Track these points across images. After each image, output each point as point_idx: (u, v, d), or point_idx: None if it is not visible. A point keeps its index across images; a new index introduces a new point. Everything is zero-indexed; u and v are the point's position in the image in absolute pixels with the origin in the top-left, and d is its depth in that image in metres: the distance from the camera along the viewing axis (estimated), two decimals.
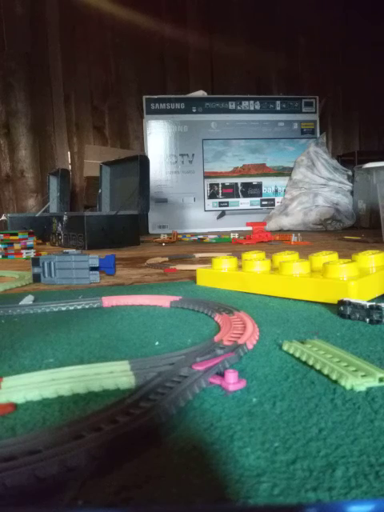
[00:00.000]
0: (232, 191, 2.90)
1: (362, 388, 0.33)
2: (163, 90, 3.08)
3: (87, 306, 0.65)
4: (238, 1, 3.21)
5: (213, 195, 2.87)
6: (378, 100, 3.39)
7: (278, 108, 2.89)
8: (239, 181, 2.90)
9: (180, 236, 2.06)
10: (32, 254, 1.43)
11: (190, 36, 3.17)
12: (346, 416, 0.29)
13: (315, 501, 0.21)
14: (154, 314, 0.61)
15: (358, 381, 0.33)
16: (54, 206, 2.49)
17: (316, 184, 2.68)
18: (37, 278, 0.88)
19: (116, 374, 0.36)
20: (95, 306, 0.65)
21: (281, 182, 2.91)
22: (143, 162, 1.85)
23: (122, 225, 1.76)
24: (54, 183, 2.54)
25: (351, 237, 1.82)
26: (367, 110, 3.44)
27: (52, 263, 0.87)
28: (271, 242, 1.77)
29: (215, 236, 2.06)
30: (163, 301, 0.65)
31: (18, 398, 0.33)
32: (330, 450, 0.25)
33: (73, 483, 0.23)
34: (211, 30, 3.20)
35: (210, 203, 2.87)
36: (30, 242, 1.59)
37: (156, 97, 2.78)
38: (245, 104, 2.86)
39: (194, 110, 2.81)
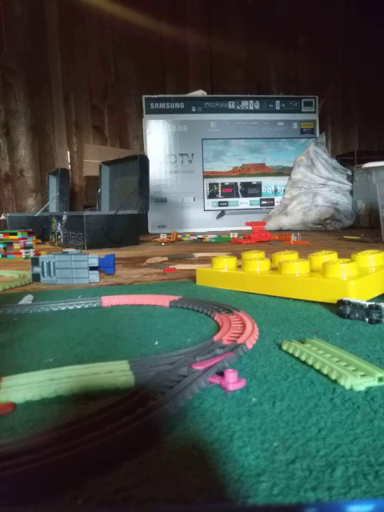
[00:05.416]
0: (231, 191, 2.90)
1: (362, 388, 0.33)
2: (163, 90, 3.08)
3: (87, 306, 0.65)
4: (238, 1, 3.21)
5: (212, 195, 2.87)
6: (377, 100, 3.39)
7: (278, 108, 2.89)
8: (239, 180, 2.90)
9: (179, 236, 2.06)
10: (31, 253, 1.43)
11: (189, 36, 3.16)
12: (346, 416, 0.29)
13: (315, 500, 0.21)
14: (154, 313, 0.61)
15: (358, 380, 0.33)
16: (53, 206, 2.49)
17: (315, 184, 2.68)
18: (36, 278, 0.88)
19: (115, 374, 0.36)
20: (95, 305, 0.65)
21: (280, 182, 2.91)
22: (143, 162, 1.85)
23: (122, 224, 1.76)
24: (53, 183, 2.54)
25: (351, 236, 1.83)
26: (366, 110, 3.44)
27: (51, 263, 0.87)
28: (270, 241, 1.77)
29: (215, 236, 2.06)
30: (163, 300, 0.65)
31: (18, 397, 0.33)
32: (329, 449, 0.25)
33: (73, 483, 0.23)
34: (211, 30, 3.20)
35: (210, 203, 2.87)
36: (30, 241, 1.59)
37: (155, 96, 2.78)
38: (244, 104, 2.86)
39: (194, 110, 2.81)
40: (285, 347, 0.43)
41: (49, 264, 0.87)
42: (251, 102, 2.87)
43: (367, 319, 0.52)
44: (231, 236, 1.89)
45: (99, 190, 2.17)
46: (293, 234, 1.75)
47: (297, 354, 0.41)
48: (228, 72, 3.24)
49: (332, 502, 0.21)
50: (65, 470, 0.23)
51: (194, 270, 0.85)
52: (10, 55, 2.96)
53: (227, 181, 2.89)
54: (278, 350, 0.43)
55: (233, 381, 0.34)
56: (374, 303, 0.52)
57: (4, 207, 3.05)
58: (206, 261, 1.15)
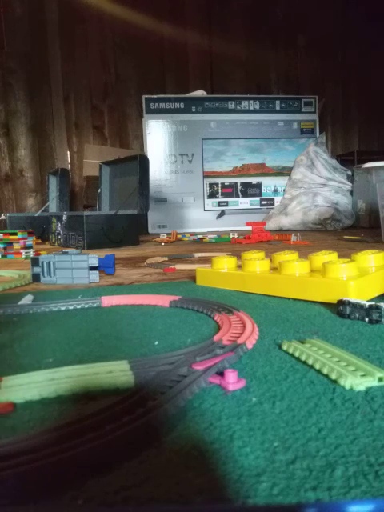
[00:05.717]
0: (231, 191, 2.90)
1: (362, 387, 0.33)
2: (163, 90, 3.08)
3: (87, 306, 0.65)
4: (238, 1, 3.21)
5: (212, 195, 2.87)
6: (377, 100, 3.39)
7: (278, 108, 2.89)
8: (239, 180, 2.90)
9: (179, 236, 2.06)
10: (31, 253, 1.43)
11: (189, 36, 3.16)
12: (346, 416, 0.29)
13: (315, 500, 0.21)
14: (154, 313, 0.61)
15: (358, 380, 0.33)
16: (53, 206, 2.49)
17: (315, 184, 2.68)
18: (36, 278, 0.88)
19: (115, 374, 0.36)
20: (94, 305, 0.65)
21: (280, 182, 2.91)
22: (143, 162, 1.85)
23: (122, 224, 1.76)
24: (53, 183, 2.54)
25: (351, 236, 1.83)
26: (366, 110, 3.44)
27: (51, 263, 0.87)
28: (271, 241, 1.77)
29: (215, 236, 2.06)
30: (163, 300, 0.65)
31: (18, 397, 0.33)
32: (329, 449, 0.25)
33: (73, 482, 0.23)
34: (211, 30, 3.20)
35: (210, 203, 2.87)
36: (30, 241, 1.59)
37: (155, 96, 2.78)
38: (244, 104, 2.86)
39: (194, 110, 2.81)
40: (285, 347, 0.43)
41: (49, 264, 0.87)
42: (251, 101, 2.87)
43: (367, 319, 0.52)
44: (231, 236, 1.89)
45: (99, 190, 2.17)
46: (293, 234, 1.75)
47: (297, 354, 0.41)
48: (228, 72, 3.24)
49: (332, 502, 0.21)
50: (65, 470, 0.23)
51: (194, 269, 0.86)
52: (10, 55, 2.96)
53: (227, 181, 2.89)
54: (278, 350, 0.43)
55: (233, 381, 0.34)
56: (373, 303, 0.52)
57: (4, 207, 3.05)
58: (206, 261, 1.15)
